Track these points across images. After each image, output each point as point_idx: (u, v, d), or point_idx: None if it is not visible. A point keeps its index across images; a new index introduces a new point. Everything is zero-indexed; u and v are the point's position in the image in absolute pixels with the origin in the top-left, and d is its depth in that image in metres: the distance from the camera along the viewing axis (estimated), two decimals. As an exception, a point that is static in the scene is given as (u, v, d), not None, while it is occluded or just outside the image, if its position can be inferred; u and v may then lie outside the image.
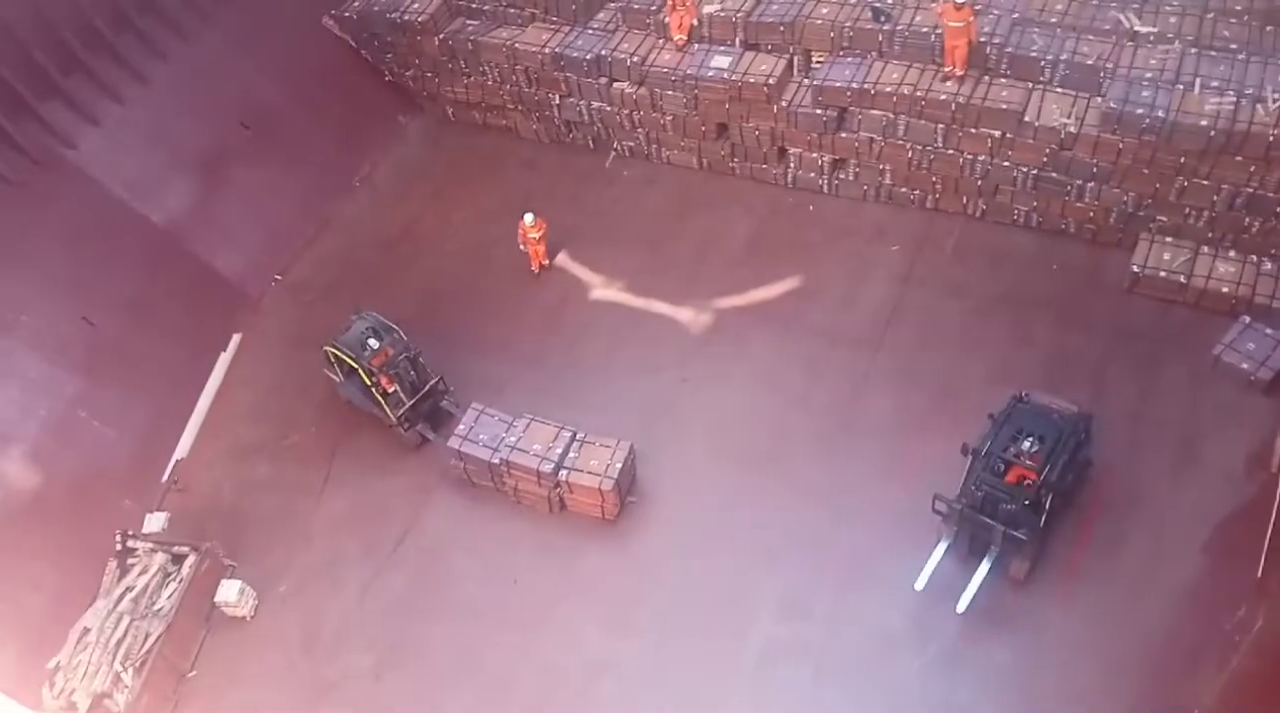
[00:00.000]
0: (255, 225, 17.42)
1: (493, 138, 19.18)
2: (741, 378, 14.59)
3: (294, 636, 13.13)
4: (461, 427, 13.69)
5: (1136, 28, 14.42)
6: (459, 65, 18.32)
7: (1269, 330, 13.17)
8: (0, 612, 12.63)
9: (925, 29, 14.83)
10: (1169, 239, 14.37)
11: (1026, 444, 11.35)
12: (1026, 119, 14.21)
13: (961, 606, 11.62)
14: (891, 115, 15.11)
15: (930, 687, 11.46)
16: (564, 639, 12.52)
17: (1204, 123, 13.07)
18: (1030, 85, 14.48)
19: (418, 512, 14.02)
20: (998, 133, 14.53)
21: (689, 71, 16.08)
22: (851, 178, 16.42)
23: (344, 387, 14.68)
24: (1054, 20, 14.84)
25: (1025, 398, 12.06)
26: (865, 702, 11.53)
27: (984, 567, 11.73)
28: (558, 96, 17.73)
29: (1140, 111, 13.36)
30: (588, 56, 16.77)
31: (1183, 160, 13.55)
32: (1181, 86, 13.51)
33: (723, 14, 16.16)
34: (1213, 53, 13.88)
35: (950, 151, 15.13)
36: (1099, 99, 13.95)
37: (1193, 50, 13.96)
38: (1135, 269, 14.23)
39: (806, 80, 15.84)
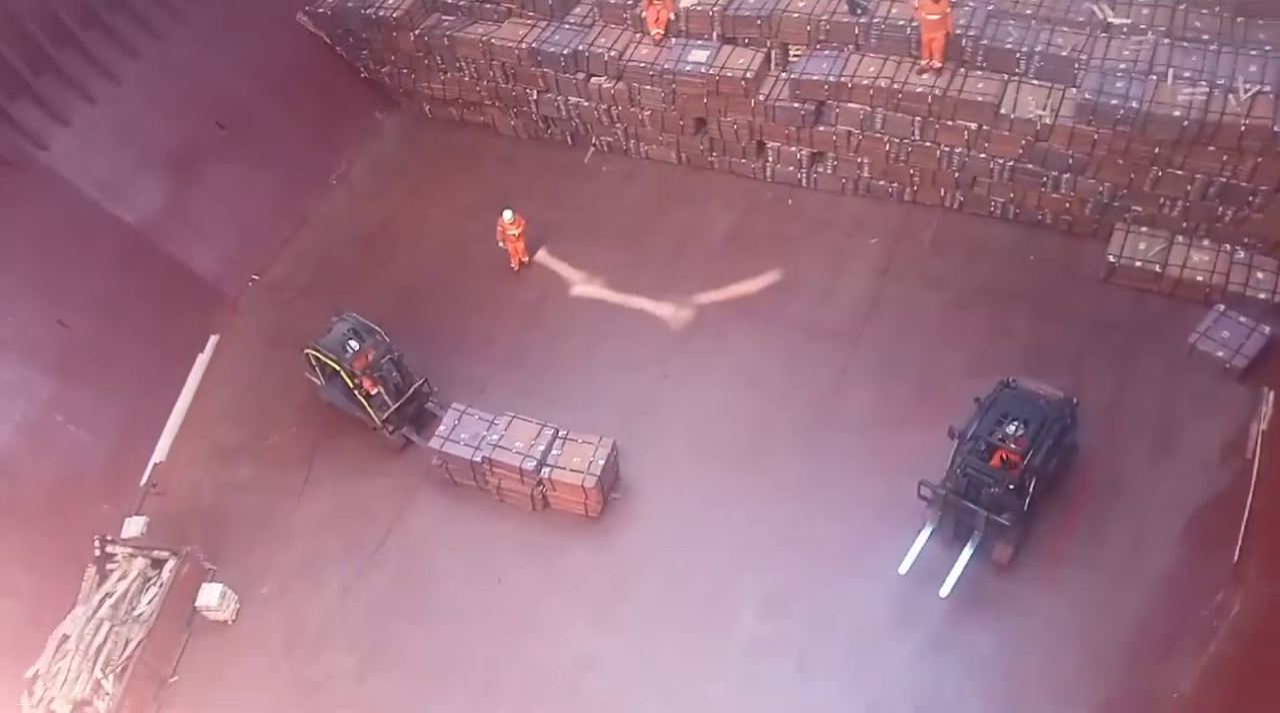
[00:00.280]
0: (231, 224, 17.27)
1: (470, 134, 19.08)
2: (722, 373, 14.61)
3: (276, 638, 13.06)
4: (443, 427, 13.64)
5: (1110, 19, 14.51)
6: (435, 61, 18.21)
7: (1243, 318, 13.30)
8: (-23, 620, 12.52)
9: (901, 22, 14.85)
10: (1144, 229, 14.48)
11: (1011, 428, 11.44)
12: (1002, 111, 14.27)
13: (945, 590, 11.73)
14: (869, 108, 15.14)
15: (915, 673, 11.53)
16: (549, 637, 12.51)
17: (1177, 113, 13.16)
18: (1005, 77, 14.54)
19: (400, 512, 13.97)
20: (974, 125, 14.58)
21: (666, 66, 16.04)
22: (830, 171, 16.45)
23: (326, 390, 14.56)
24: (1028, 12, 14.88)
25: (1012, 383, 12.16)
26: (851, 691, 11.58)
27: (967, 551, 11.84)
28: (535, 92, 17.65)
29: (1115, 102, 13.45)
30: (565, 51, 16.70)
31: (1157, 150, 13.64)
32: (1155, 77, 13.59)
33: (700, 8, 16.12)
34: (1185, 43, 13.97)
35: (927, 144, 15.17)
36: (1074, 90, 14.02)
37: (1165, 41, 14.04)
38: (1111, 259, 14.34)
39: (784, 74, 15.83)
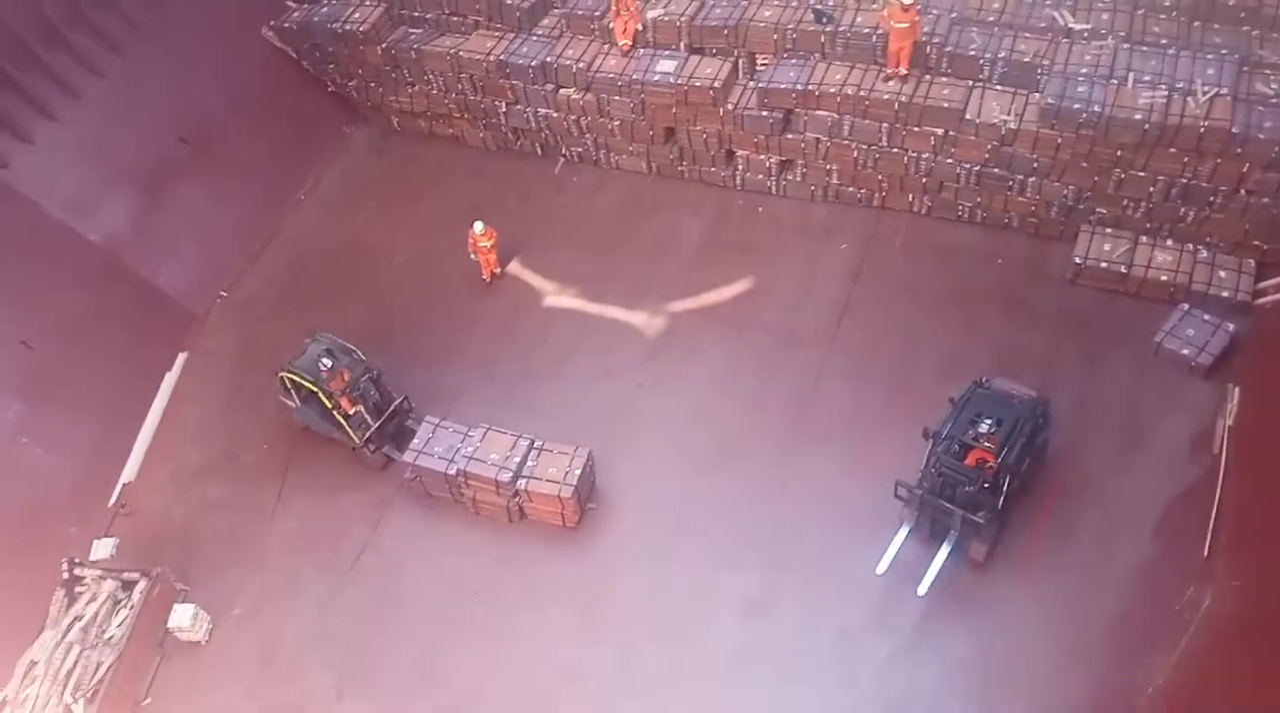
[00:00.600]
0: (198, 242, 17.09)
1: (440, 147, 19.03)
2: (697, 381, 14.64)
3: (251, 658, 12.88)
4: (416, 440, 13.53)
5: (1071, 25, 14.76)
6: (403, 75, 18.16)
7: (1207, 317, 13.53)
8: (-58, 647, 12.26)
9: (867, 30, 15.02)
10: (1109, 231, 14.71)
11: (985, 426, 11.54)
12: (968, 117, 14.45)
13: (922, 588, 11.85)
14: (836, 116, 15.27)
15: (894, 673, 11.58)
16: (529, 649, 12.43)
17: (1138, 116, 13.40)
18: (970, 83, 14.74)
19: (375, 527, 13.84)
20: (940, 131, 14.76)
21: (635, 76, 16.10)
22: (799, 179, 16.57)
23: (301, 413, 14.30)
24: (991, 19, 15.14)
25: (985, 383, 12.27)
26: (831, 695, 11.61)
27: (944, 550, 11.97)
28: (504, 104, 17.65)
29: (1077, 107, 13.66)
30: (533, 63, 16.72)
31: (1119, 153, 13.87)
32: (1116, 81, 13.84)
33: (667, 18, 16.22)
34: (1144, 48, 14.24)
35: (895, 150, 15.33)
36: (1037, 95, 14.24)
37: (1125, 46, 14.31)
38: (1077, 261, 14.54)
39: (752, 83, 15.95)
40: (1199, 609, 10.75)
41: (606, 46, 16.64)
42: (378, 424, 13.82)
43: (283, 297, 17.03)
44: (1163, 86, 13.58)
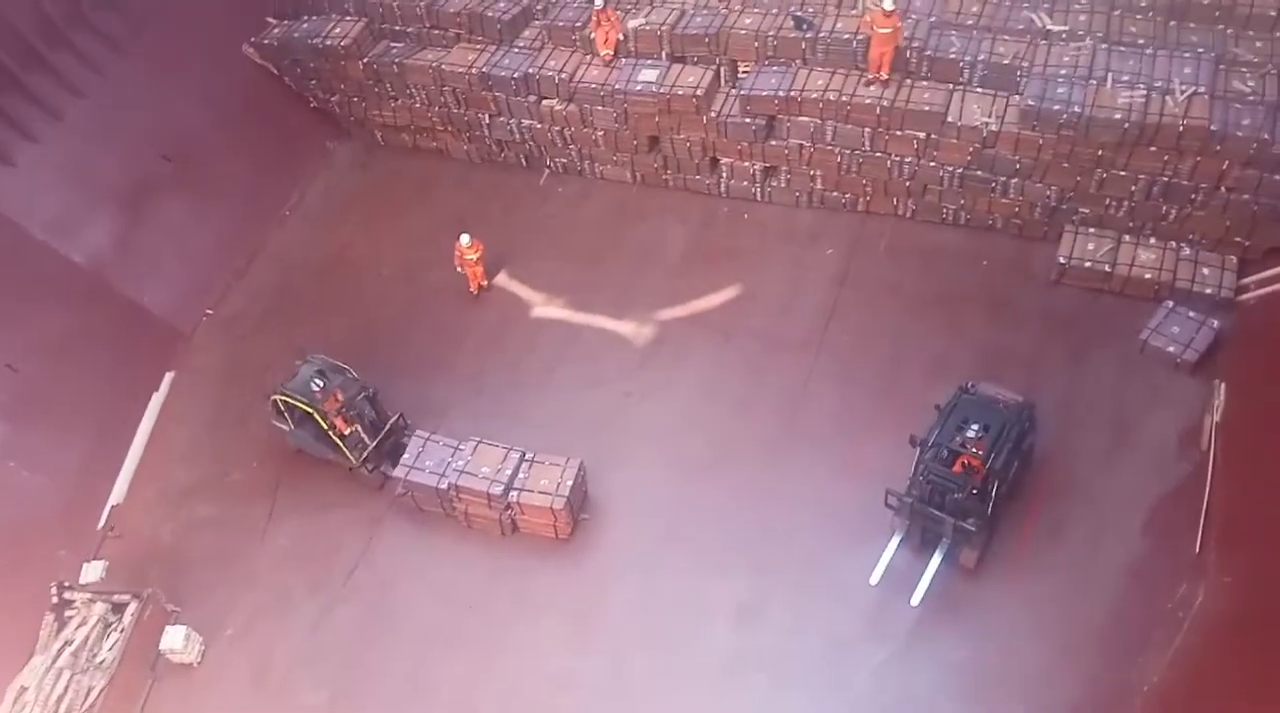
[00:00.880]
0: (183, 260, 17.03)
1: (424, 160, 19.02)
2: (686, 388, 14.64)
3: (244, 678, 12.80)
4: (407, 455, 13.48)
5: (1049, 26, 14.84)
6: (385, 89, 18.14)
7: (1191, 313, 13.60)
8: (-69, 676, 12.15)
9: (847, 36, 15.07)
10: (1092, 230, 14.78)
11: (971, 431, 11.54)
12: (949, 120, 14.51)
13: (916, 598, 11.84)
14: (819, 121, 15.32)
15: (889, 679, 11.58)
16: (522, 662, 12.39)
17: (1118, 116, 13.47)
18: (951, 86, 14.79)
19: (367, 543, 13.79)
20: (922, 134, 14.82)
21: (617, 86, 16.12)
22: (783, 185, 16.61)
23: (295, 436, 14.15)
24: (970, 22, 15.20)
25: (971, 388, 12.28)
26: (825, 698, 11.61)
27: (936, 558, 11.97)
28: (487, 116, 17.65)
29: (1057, 107, 13.73)
30: (515, 75, 16.73)
31: (1100, 153, 13.94)
32: (1095, 82, 13.91)
33: (648, 28, 16.25)
34: (1121, 48, 14.32)
35: (878, 154, 15.38)
36: (1017, 97, 14.30)
37: (1103, 46, 14.38)
38: (1061, 260, 14.60)
39: (734, 90, 15.98)
40: (1192, 607, 10.78)
41: (588, 57, 16.66)
42: (374, 443, 13.74)
43: (269, 312, 16.97)
44: (1141, 86, 13.66)
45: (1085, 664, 11.28)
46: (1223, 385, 12.54)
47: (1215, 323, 13.45)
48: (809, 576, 12.50)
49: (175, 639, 12.77)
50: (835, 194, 16.36)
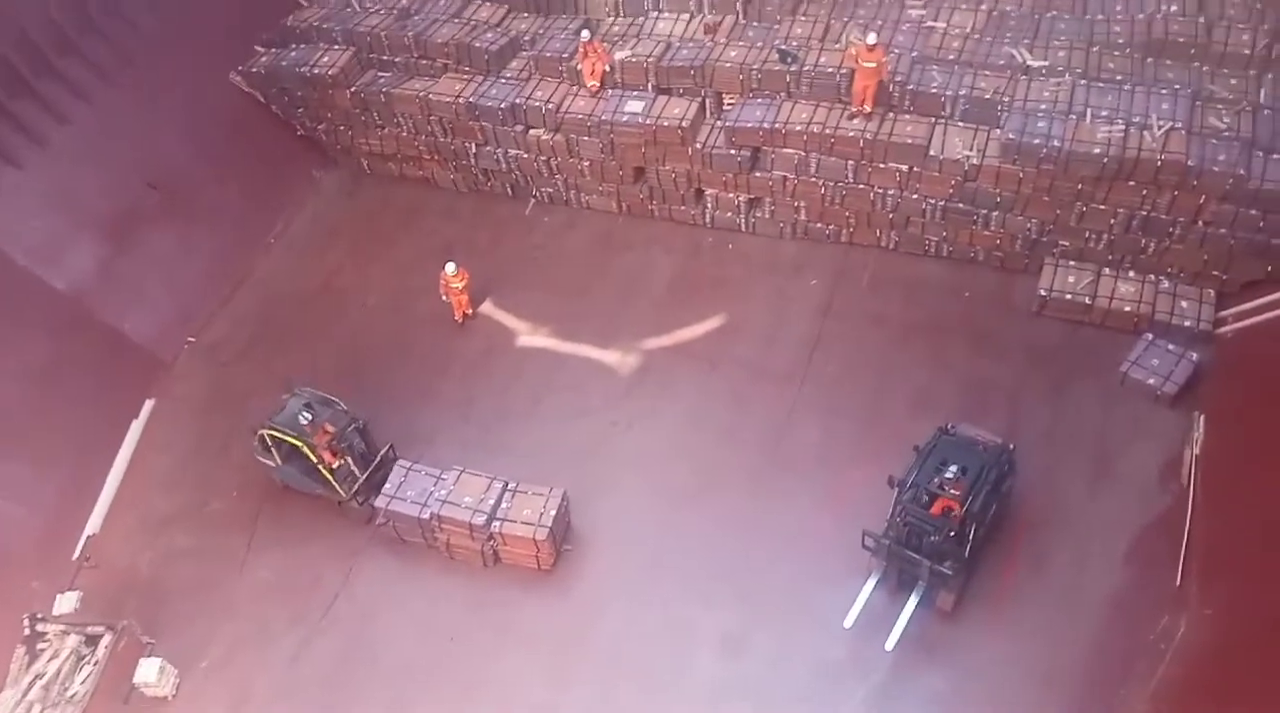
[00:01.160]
0: (166, 287, 16.96)
1: (410, 189, 19.07)
2: (671, 418, 14.63)
3: (220, 712, 12.57)
4: (388, 485, 13.37)
5: (1029, 62, 15.09)
6: (372, 118, 18.21)
7: (1171, 346, 13.72)
8: (-102, 710, 11.89)
9: (830, 69, 15.26)
10: (1072, 263, 14.94)
11: (950, 473, 11.43)
12: (931, 153, 14.68)
13: (890, 643, 11.75)
14: (803, 153, 15.47)
15: (874, 706, 11.49)
16: (504, 694, 12.24)
17: (1097, 150, 13.66)
18: (933, 120, 14.98)
19: (347, 575, 13.63)
20: (905, 167, 14.98)
21: (604, 117, 16.24)
22: (768, 216, 16.73)
23: (281, 472, 13.95)
24: (951, 57, 15.45)
25: (950, 430, 12.27)
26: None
27: (912, 602, 11.91)
28: (474, 145, 17.73)
29: (1037, 142, 13.91)
30: (502, 105, 16.83)
31: (1080, 187, 14.13)
32: (1074, 117, 14.11)
33: (634, 59, 16.42)
34: (1100, 84, 14.56)
35: (861, 186, 15.53)
36: (998, 131, 14.49)
37: (1082, 82, 14.62)
38: (1042, 293, 14.73)
39: (719, 122, 16.13)
40: (1174, 638, 10.79)
41: (575, 88, 16.79)
42: (365, 476, 13.60)
43: (253, 340, 16.89)
44: (1119, 121, 13.87)
45: (1068, 696, 11.24)
46: (1202, 417, 12.63)
47: (1194, 356, 13.58)
48: (791, 608, 12.43)
49: (149, 672, 12.52)
50: (819, 225, 16.49)
